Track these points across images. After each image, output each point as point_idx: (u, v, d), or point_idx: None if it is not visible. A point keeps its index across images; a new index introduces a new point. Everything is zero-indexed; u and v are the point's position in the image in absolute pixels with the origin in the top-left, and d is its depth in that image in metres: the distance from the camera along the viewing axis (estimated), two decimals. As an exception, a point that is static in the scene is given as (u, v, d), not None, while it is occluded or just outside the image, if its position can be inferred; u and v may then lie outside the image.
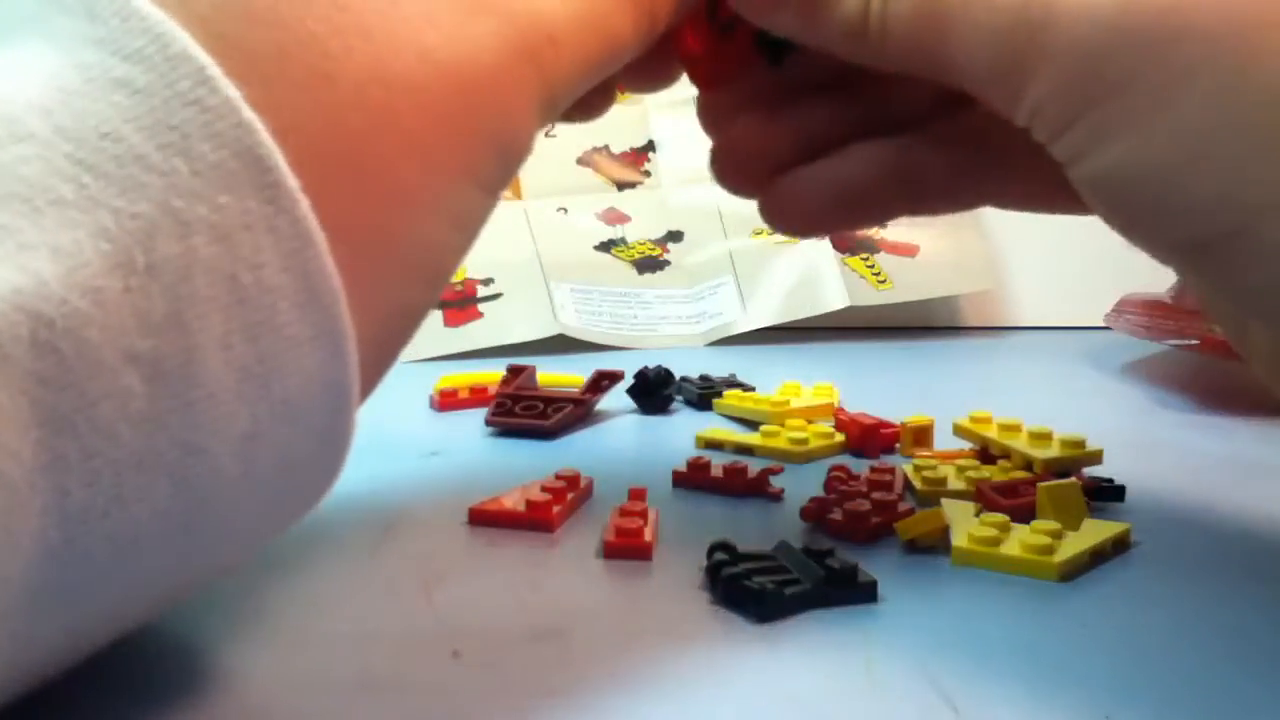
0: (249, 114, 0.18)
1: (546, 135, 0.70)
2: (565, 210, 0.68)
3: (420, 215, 0.22)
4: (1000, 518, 0.31)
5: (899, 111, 0.32)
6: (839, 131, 0.32)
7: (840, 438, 0.41)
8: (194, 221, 0.18)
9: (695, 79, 0.32)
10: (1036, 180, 0.30)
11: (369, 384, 0.22)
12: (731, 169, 0.32)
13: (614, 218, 0.70)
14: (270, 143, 0.19)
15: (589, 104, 0.31)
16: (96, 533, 0.18)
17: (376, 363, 0.22)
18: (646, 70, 0.31)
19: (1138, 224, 0.26)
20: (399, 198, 0.21)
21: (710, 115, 0.33)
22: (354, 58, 0.21)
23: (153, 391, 0.18)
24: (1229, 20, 0.23)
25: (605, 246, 0.68)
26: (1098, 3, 0.24)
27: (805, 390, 0.46)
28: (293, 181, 0.19)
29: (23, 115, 0.18)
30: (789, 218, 0.32)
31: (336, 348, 0.20)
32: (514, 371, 0.47)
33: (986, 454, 0.38)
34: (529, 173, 0.69)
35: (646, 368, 0.47)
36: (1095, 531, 0.31)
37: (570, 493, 0.34)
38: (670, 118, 0.72)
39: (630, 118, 0.72)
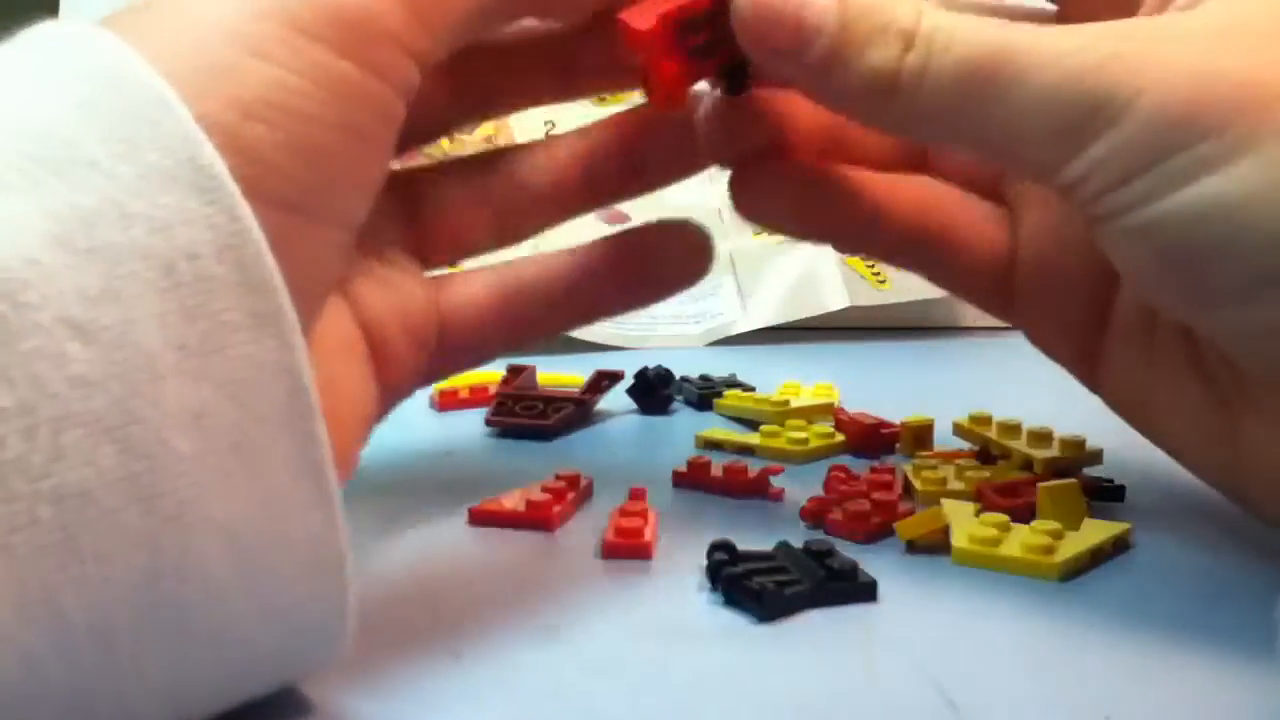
0: (194, 128, 0.20)
1: (547, 135, 0.70)
2: (565, 210, 0.68)
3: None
4: (1000, 518, 0.31)
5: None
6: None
7: (840, 438, 0.41)
8: (135, 215, 0.19)
9: (652, 96, 0.30)
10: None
11: (314, 281, 0.23)
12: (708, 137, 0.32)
13: (614, 217, 0.70)
14: (213, 152, 0.20)
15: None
16: (40, 492, 0.18)
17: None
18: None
19: (1207, 260, 0.26)
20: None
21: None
22: None
23: (90, 355, 0.19)
24: None
25: (605, 246, 0.68)
26: (1183, 69, 0.25)
27: (805, 390, 0.46)
28: (233, 186, 0.20)
29: None
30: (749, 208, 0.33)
31: (280, 334, 0.20)
32: (514, 371, 0.47)
33: (986, 454, 0.38)
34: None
35: (646, 368, 0.47)
36: (1095, 531, 0.31)
37: (570, 493, 0.34)
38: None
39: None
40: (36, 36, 0.22)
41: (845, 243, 0.35)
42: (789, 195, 0.33)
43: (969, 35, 0.26)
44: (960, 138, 0.28)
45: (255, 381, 0.20)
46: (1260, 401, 0.29)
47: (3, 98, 0.21)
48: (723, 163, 0.33)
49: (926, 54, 0.26)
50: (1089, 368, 0.33)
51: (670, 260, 0.34)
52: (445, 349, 0.31)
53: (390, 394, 0.29)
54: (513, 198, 0.32)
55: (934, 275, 0.35)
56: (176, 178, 0.20)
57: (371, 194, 0.25)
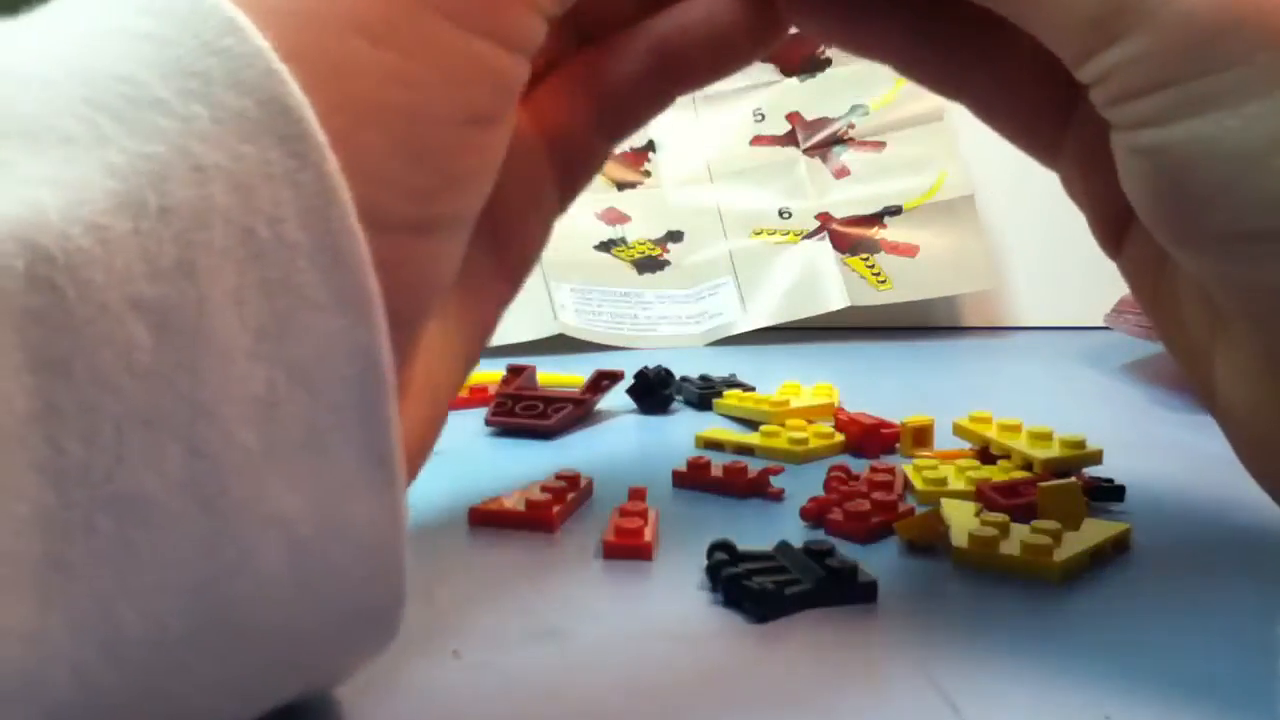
0: (278, 64, 0.18)
1: None
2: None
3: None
4: (1000, 518, 0.31)
5: None
6: None
7: (840, 438, 0.41)
8: (211, 168, 0.17)
9: None
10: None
11: (420, 299, 0.21)
12: None
13: (614, 218, 0.70)
14: (299, 94, 0.18)
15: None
16: (99, 498, 0.16)
17: (406, 317, 0.21)
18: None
19: (1196, 202, 0.25)
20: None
21: None
22: None
23: (159, 343, 0.16)
24: None
25: (605, 246, 0.68)
26: None
27: (805, 390, 0.46)
28: (320, 136, 0.18)
29: (39, 61, 0.17)
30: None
31: (361, 312, 0.18)
32: (514, 371, 0.47)
33: (986, 454, 0.38)
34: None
35: (646, 368, 0.47)
36: (1095, 531, 0.31)
37: (570, 493, 0.34)
38: (670, 118, 0.72)
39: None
40: None
41: (894, 58, 0.32)
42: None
43: None
44: (1006, 6, 0.27)
45: (329, 365, 0.18)
46: (1231, 329, 0.28)
47: (57, 35, 0.18)
48: None
49: None
50: (1114, 238, 0.32)
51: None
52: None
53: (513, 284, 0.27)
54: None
55: (985, 108, 0.33)
56: (258, 122, 0.17)
57: (494, 179, 0.22)
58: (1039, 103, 0.32)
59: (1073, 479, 0.33)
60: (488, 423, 0.43)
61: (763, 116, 0.73)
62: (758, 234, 0.68)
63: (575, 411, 0.43)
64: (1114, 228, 0.32)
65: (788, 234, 0.68)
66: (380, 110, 0.19)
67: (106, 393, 0.16)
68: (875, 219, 0.68)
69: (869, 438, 0.40)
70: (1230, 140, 0.24)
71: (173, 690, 0.18)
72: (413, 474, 0.24)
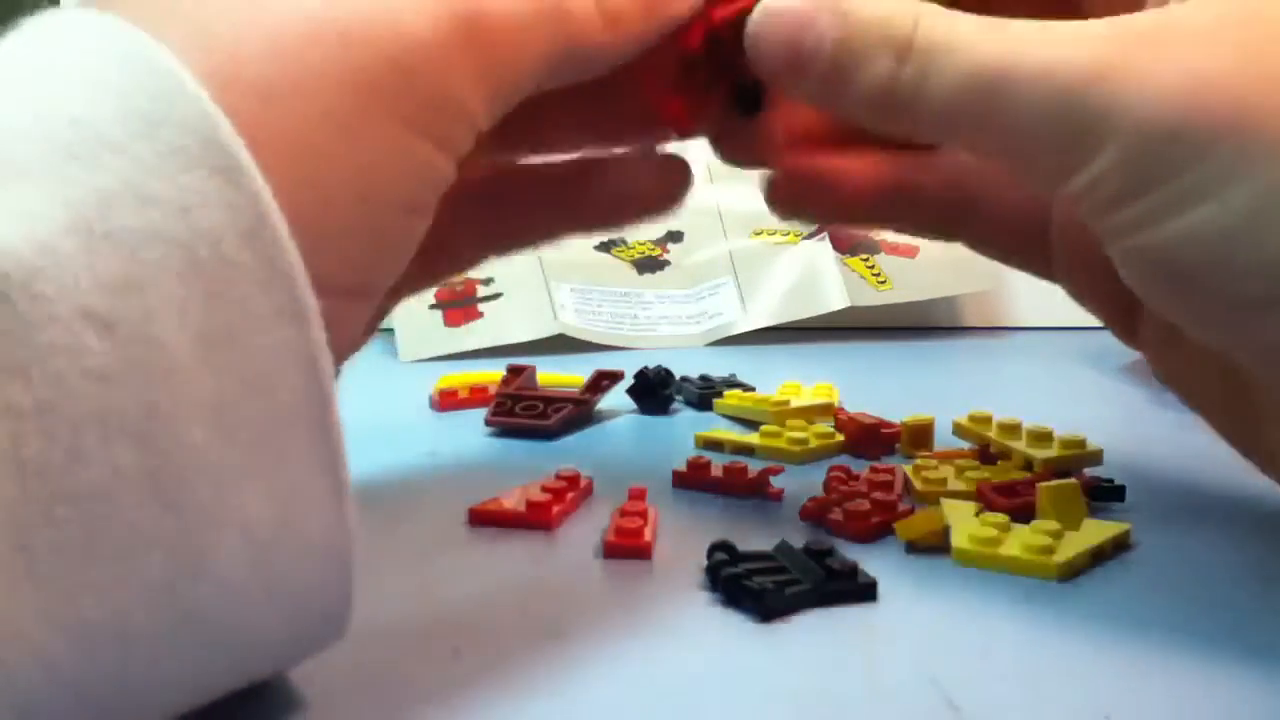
0: (213, 108, 0.20)
1: None
2: (565, 210, 0.68)
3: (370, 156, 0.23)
4: (1000, 518, 0.31)
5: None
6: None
7: (840, 438, 0.41)
8: (153, 197, 0.19)
9: (669, 124, 0.32)
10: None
11: (340, 354, 0.22)
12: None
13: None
14: (233, 134, 0.20)
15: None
16: (59, 492, 0.18)
17: (344, 328, 0.22)
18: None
19: (1199, 286, 0.26)
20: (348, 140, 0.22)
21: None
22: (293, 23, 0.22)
23: (110, 349, 0.18)
24: None
25: (605, 246, 0.68)
26: (1167, 87, 0.25)
27: (805, 390, 0.46)
28: (253, 167, 0.20)
29: (8, 98, 0.20)
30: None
31: (301, 323, 0.20)
32: (514, 371, 0.47)
33: (986, 454, 0.38)
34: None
35: (646, 368, 0.47)
36: (1095, 531, 0.31)
37: (570, 493, 0.34)
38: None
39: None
40: (45, 21, 0.22)
41: (885, 224, 0.36)
42: (823, 197, 0.33)
43: (967, 45, 0.26)
44: (971, 146, 0.28)
45: (276, 373, 0.20)
46: (1269, 392, 0.29)
47: (19, 81, 0.20)
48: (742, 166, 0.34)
49: (923, 68, 0.26)
50: (1127, 326, 0.34)
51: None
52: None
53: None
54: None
55: (973, 243, 0.35)
56: (197, 157, 0.19)
57: (410, 257, 0.25)
58: (1020, 235, 0.34)
59: (1073, 479, 0.33)
60: (488, 423, 0.43)
61: (763, 116, 0.73)
62: (758, 234, 0.68)
63: (575, 411, 0.43)
64: (1122, 317, 0.34)
65: (788, 234, 0.68)
66: (340, 192, 0.22)
67: (61, 393, 0.18)
68: (875, 219, 0.68)
69: (869, 438, 0.40)
70: (1213, 226, 0.25)
71: (137, 681, 0.19)
72: None
